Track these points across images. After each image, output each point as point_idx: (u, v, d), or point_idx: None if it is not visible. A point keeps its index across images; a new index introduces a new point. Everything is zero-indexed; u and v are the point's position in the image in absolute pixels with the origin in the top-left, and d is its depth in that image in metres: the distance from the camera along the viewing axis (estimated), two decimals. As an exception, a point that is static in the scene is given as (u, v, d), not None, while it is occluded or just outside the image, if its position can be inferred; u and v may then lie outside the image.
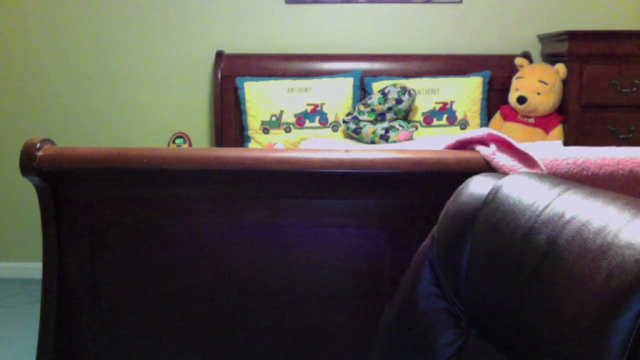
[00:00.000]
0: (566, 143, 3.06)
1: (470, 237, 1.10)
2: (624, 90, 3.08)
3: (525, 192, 1.06)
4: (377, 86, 3.31)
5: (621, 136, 3.11)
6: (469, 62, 3.44)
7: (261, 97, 3.29)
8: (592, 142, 2.91)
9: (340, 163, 1.53)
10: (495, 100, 3.40)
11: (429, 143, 2.78)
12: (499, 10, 3.53)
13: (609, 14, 3.50)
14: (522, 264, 0.97)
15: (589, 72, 3.10)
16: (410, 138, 3.08)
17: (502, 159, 1.49)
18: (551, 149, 1.60)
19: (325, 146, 2.97)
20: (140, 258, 1.63)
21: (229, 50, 3.50)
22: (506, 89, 3.32)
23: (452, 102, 3.28)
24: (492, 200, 1.09)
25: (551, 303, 0.89)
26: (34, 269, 3.42)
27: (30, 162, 1.54)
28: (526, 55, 3.43)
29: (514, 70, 3.33)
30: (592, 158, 1.52)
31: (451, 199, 1.20)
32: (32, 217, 3.35)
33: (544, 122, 3.17)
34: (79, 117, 3.58)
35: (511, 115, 3.24)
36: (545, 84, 3.13)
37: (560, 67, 3.15)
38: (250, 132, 3.31)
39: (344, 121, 3.21)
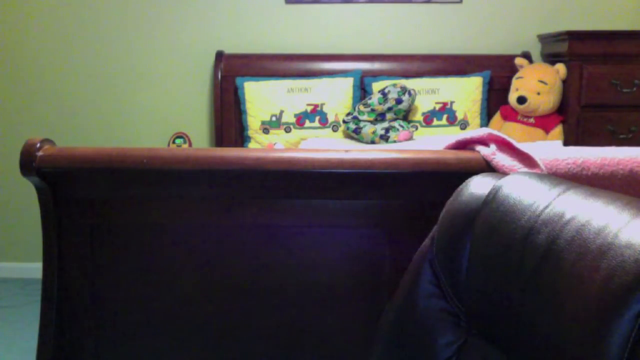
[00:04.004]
0: (566, 143, 3.07)
1: (470, 237, 1.10)
2: (624, 90, 3.08)
3: (525, 192, 1.06)
4: (377, 86, 3.31)
5: (621, 136, 3.11)
6: (469, 62, 3.44)
7: (261, 97, 3.29)
8: (592, 142, 2.92)
9: (340, 163, 1.53)
10: (495, 100, 3.40)
11: (429, 143, 2.78)
12: (499, 10, 3.53)
13: (609, 14, 3.51)
14: (522, 264, 0.97)
15: (589, 72, 3.11)
16: (410, 138, 3.09)
17: (502, 159, 1.49)
18: (551, 149, 1.60)
19: (325, 146, 2.97)
20: (140, 258, 1.63)
21: (229, 50, 3.50)
22: (506, 89, 3.32)
23: (452, 102, 3.28)
24: (492, 200, 1.09)
25: (551, 303, 0.89)
26: (34, 269, 3.43)
27: (30, 162, 1.54)
28: (526, 55, 3.43)
29: (514, 70, 3.33)
30: (592, 158, 1.52)
31: (451, 199, 1.20)
32: (32, 217, 3.36)
33: (544, 122, 3.17)
34: (79, 117, 3.58)
35: (511, 115, 3.24)
36: (545, 84, 3.13)
37: (560, 67, 3.15)
38: (250, 132, 3.31)
39: (344, 121, 3.21)
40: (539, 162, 1.49)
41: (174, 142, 3.15)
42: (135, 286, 1.63)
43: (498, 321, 1.01)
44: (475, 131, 1.59)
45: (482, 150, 1.54)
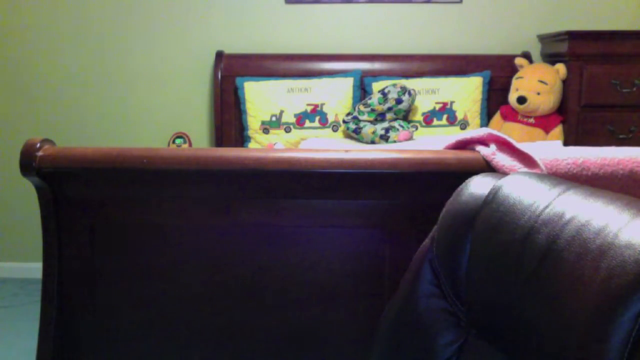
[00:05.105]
0: (566, 143, 3.07)
1: (470, 237, 1.10)
2: (624, 90, 3.08)
3: (525, 192, 1.06)
4: (377, 86, 3.31)
5: (621, 136, 3.11)
6: (469, 62, 3.44)
7: (261, 97, 3.29)
8: (592, 142, 2.91)
9: (340, 163, 1.53)
10: (495, 100, 3.40)
11: (429, 143, 2.78)
12: (499, 10, 3.53)
13: (609, 14, 3.50)
14: (522, 264, 0.97)
15: (589, 72, 3.10)
16: (410, 138, 3.09)
17: (502, 159, 1.49)
18: (551, 149, 1.60)
19: (325, 146, 2.97)
20: (140, 258, 1.63)
21: (229, 50, 3.50)
22: (506, 89, 3.32)
23: (452, 102, 3.28)
24: (492, 200, 1.09)
25: (551, 303, 0.89)
26: (34, 269, 3.43)
27: (30, 162, 1.54)
28: (526, 55, 3.43)
29: (514, 70, 3.33)
30: (592, 158, 1.52)
31: (451, 199, 1.20)
32: (32, 217, 3.36)
33: (544, 122, 3.17)
34: (79, 117, 3.58)
35: (511, 115, 3.24)
36: (545, 84, 3.13)
37: (560, 67, 3.15)
38: (250, 132, 3.31)
39: (344, 121, 3.21)
40: (539, 162, 1.49)
41: (174, 142, 3.15)
42: (135, 286, 1.63)
43: (498, 321, 1.01)
44: (475, 131, 1.59)
45: (482, 150, 1.54)
